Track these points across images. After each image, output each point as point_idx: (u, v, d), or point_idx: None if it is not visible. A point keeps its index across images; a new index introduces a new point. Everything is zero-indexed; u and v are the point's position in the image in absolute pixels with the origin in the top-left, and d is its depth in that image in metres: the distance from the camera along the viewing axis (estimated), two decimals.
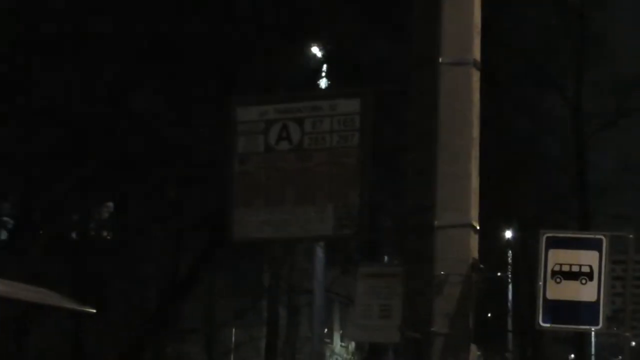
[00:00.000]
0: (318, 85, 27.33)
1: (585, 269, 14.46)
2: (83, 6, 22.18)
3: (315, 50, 29.58)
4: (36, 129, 23.27)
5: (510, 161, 39.38)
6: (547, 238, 14.85)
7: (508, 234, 48.63)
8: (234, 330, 46.41)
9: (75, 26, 22.19)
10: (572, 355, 63.05)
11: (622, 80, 53.08)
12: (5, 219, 26.27)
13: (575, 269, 14.50)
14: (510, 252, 50.70)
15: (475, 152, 8.37)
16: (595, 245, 14.77)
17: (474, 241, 8.35)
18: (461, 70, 8.34)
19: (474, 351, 8.31)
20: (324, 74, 29.04)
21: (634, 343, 18.87)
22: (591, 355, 65.59)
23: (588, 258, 14.54)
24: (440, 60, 8.29)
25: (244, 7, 24.32)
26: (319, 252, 38.82)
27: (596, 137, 54.45)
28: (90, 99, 22.98)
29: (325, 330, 44.01)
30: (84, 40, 22.43)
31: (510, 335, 54.14)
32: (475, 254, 8.34)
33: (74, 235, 28.58)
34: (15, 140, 23.10)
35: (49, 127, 23.19)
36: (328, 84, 27.48)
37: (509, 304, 52.47)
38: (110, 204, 30.00)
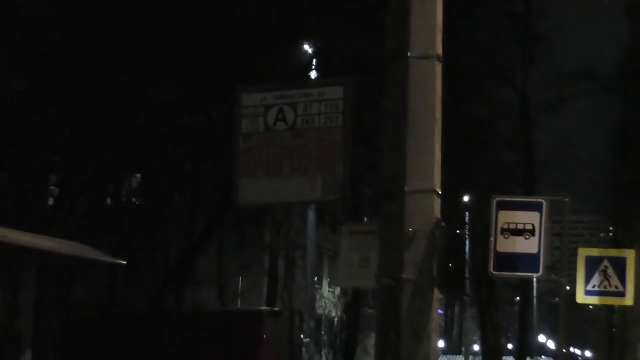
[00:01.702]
0: (309, 76, 27.29)
1: (529, 227, 14.49)
2: (104, 9, 22.06)
3: (307, 48, 29.59)
4: (76, 116, 23.23)
5: (469, 139, 39.32)
6: (498, 202, 14.90)
7: (466, 199, 48.57)
8: (240, 279, 46.39)
9: (103, 28, 22.11)
10: (518, 298, 63.19)
11: (562, 72, 53.27)
12: (52, 188, 26.24)
13: (520, 227, 14.53)
14: (468, 214, 50.70)
15: (438, 131, 8.36)
16: (537, 207, 14.81)
17: (438, 205, 8.34)
18: (427, 63, 8.32)
19: (438, 295, 8.31)
20: (314, 67, 29.03)
21: (568, 288, 18.78)
22: (534, 298, 65.58)
23: (531, 218, 14.58)
24: (409, 55, 8.26)
25: (246, 9, 24.23)
26: (311, 215, 38.82)
27: (540, 120, 54.69)
28: (121, 90, 22.95)
29: (316, 279, 43.97)
30: (110, 41, 22.36)
31: (467, 282, 54.18)
32: (438, 215, 8.33)
33: (108, 201, 28.54)
34: (59, 125, 23.09)
35: (87, 113, 23.14)
36: (317, 76, 27.45)
37: (467, 256, 52.57)
38: (139, 176, 29.96)
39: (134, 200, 30.61)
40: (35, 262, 15.24)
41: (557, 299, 21.20)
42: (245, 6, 24.17)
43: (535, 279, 39.66)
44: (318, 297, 46.17)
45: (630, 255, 20.69)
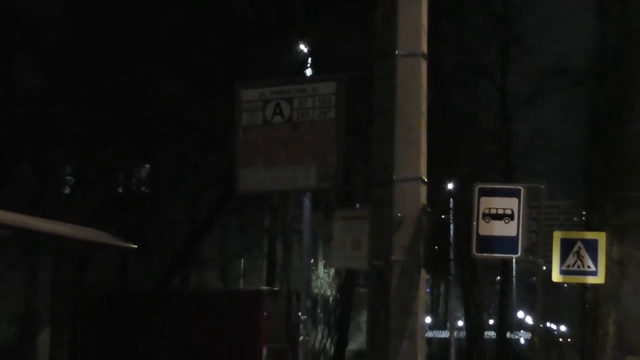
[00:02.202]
0: (304, 73, 27.28)
1: (508, 212, 14.47)
2: (114, 11, 22.04)
3: (302, 47, 29.58)
4: (89, 110, 23.21)
5: (452, 131, 39.38)
6: (479, 189, 14.88)
7: (450, 186, 48.60)
8: (242, 261, 46.39)
9: (113, 28, 22.09)
10: (498, 277, 63.24)
11: (538, 69, 53.45)
12: (68, 177, 26.24)
13: (500, 212, 14.51)
14: (451, 200, 50.72)
15: (423, 123, 8.38)
16: (515, 193, 14.80)
17: (424, 191, 8.36)
18: (413, 60, 8.33)
19: (424, 275, 8.33)
20: (309, 65, 29.03)
21: (544, 267, 18.82)
22: (513, 277, 65.69)
23: (510, 204, 14.56)
24: (397, 53, 8.27)
25: (246, 11, 24.22)
26: (306, 201, 38.74)
27: (518, 113, 54.83)
28: (128, 86, 22.94)
29: (312, 260, 43.89)
30: (119, 40, 22.34)
31: (452, 262, 54.19)
32: (424, 201, 8.35)
33: (119, 190, 28.54)
34: (74, 119, 23.06)
35: (98, 108, 23.13)
36: (312, 73, 27.43)
37: (451, 239, 52.58)
38: (147, 166, 29.95)
39: (142, 188, 30.59)
40: (52, 245, 15.24)
41: (534, 278, 21.19)
42: (244, 8, 24.15)
43: (514, 260, 39.76)
44: (313, 278, 46.14)
45: (601, 237, 20.73)
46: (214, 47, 23.68)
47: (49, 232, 14.19)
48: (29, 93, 23.13)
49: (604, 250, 20.40)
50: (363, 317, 41.80)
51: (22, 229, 13.48)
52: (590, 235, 21.72)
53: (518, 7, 53.12)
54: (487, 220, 14.51)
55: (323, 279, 52.43)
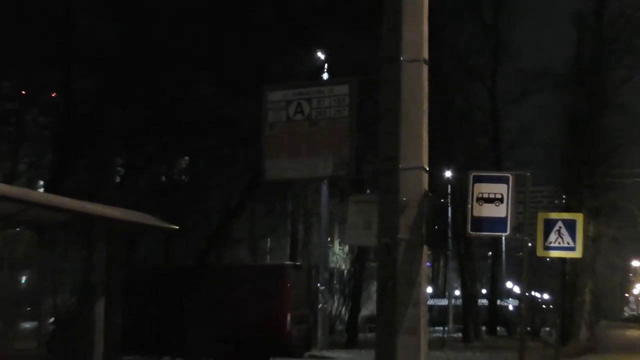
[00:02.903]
0: (321, 77, 27.27)
1: (498, 196, 14.39)
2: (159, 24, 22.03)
3: (320, 54, 29.61)
4: (136, 110, 23.25)
5: (450, 126, 39.29)
6: (473, 176, 14.79)
7: (448, 174, 48.52)
8: (268, 240, 46.46)
9: (158, 41, 22.08)
10: (490, 253, 63.20)
11: (523, 72, 53.38)
12: (118, 168, 26.29)
13: (491, 196, 14.44)
14: (449, 186, 50.63)
15: (425, 120, 8.36)
16: (504, 180, 14.71)
17: (425, 179, 8.34)
18: (415, 65, 8.31)
19: (426, 250, 8.32)
20: (325, 69, 29.05)
21: (530, 244, 18.79)
22: (502, 252, 65.57)
23: (500, 189, 14.48)
24: (401, 58, 8.25)
25: (271, 24, 24.19)
26: (324, 188, 38.82)
27: (506, 110, 54.92)
28: (171, 90, 22.96)
29: (329, 239, 43.95)
30: (163, 49, 22.35)
31: (450, 240, 54.14)
32: (426, 186, 8.33)
33: (163, 178, 28.58)
34: (124, 117, 23.10)
35: (145, 108, 23.17)
36: (328, 76, 27.41)
37: (449, 220, 52.55)
38: (186, 158, 29.97)
39: (182, 177, 30.62)
40: (106, 227, 15.25)
41: (521, 253, 21.06)
42: (270, 23, 24.13)
43: (503, 238, 39.67)
44: (330, 254, 46.16)
45: (579, 217, 20.69)
46: (244, 56, 23.65)
47: (103, 215, 14.20)
48: (84, 97, 23.17)
49: (581, 228, 20.36)
50: (373, 288, 41.79)
51: (80, 213, 13.49)
52: (569, 216, 21.70)
53: (506, 18, 53.20)
54: (480, 203, 14.43)
55: (338, 255, 52.43)
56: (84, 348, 15.03)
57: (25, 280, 21.85)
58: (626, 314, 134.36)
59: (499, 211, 14.46)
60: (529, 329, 47.03)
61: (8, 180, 20.14)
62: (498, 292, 63.46)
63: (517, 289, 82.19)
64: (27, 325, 19.28)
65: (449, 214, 52.33)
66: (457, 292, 61.79)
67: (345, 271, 49.40)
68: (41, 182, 24.23)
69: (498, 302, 63.14)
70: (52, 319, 21.25)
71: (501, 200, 14.45)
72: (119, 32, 22.90)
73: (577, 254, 20.52)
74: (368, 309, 48.63)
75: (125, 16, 22.81)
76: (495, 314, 60.23)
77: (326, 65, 29.39)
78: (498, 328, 58.19)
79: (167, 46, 22.27)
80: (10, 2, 21.24)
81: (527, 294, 22.57)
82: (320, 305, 38.76)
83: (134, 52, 21.90)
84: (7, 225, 14.77)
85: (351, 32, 25.97)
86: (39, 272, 16.42)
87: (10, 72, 22.99)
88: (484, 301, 61.81)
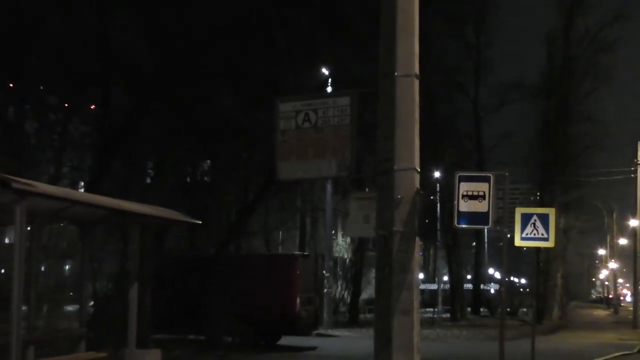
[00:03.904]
0: (326, 90, 27.25)
1: (481, 193, 14.35)
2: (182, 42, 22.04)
3: (324, 69, 29.62)
4: (164, 119, 23.25)
5: (438, 132, 39.26)
6: (459, 176, 14.76)
7: (437, 174, 48.50)
8: (280, 232, 46.39)
9: (185, 58, 22.08)
10: (474, 243, 63.16)
11: (502, 83, 53.50)
12: (149, 170, 26.29)
13: (475, 193, 14.40)
14: (438, 184, 50.60)
15: (416, 127, 8.34)
16: (486, 179, 14.66)
17: (417, 178, 8.32)
18: (408, 80, 8.30)
19: (418, 241, 8.30)
20: (329, 83, 29.05)
21: (509, 235, 18.76)
22: (485, 242, 65.56)
23: (482, 187, 14.43)
24: (396, 74, 8.24)
25: (283, 43, 24.17)
26: (328, 186, 38.84)
27: (487, 118, 54.94)
28: (194, 101, 22.95)
29: (333, 231, 43.92)
30: (188, 65, 22.35)
31: (438, 232, 54.10)
32: (417, 185, 8.32)
33: (188, 179, 28.56)
34: (153, 125, 23.11)
35: (172, 117, 23.18)
36: (332, 89, 27.38)
37: (438, 214, 52.53)
38: (208, 161, 29.95)
39: (205, 178, 30.58)
40: (138, 222, 15.22)
41: (501, 243, 21.03)
42: (281, 42, 24.11)
43: (485, 230, 39.62)
44: (334, 244, 46.15)
45: (551, 212, 20.66)
46: (259, 73, 23.63)
47: (136, 211, 14.18)
48: (120, 109, 23.18)
49: (554, 221, 20.32)
50: (372, 274, 41.66)
51: (116, 210, 13.47)
52: (543, 210, 21.65)
53: (486, 38, 53.42)
54: (465, 199, 14.40)
55: (341, 245, 52.43)
56: (120, 327, 15.00)
57: (69, 269, 21.89)
58: (593, 296, 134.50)
59: (482, 206, 14.43)
60: (508, 309, 47.05)
61: (53, 182, 20.12)
62: (481, 277, 63.44)
63: (497, 275, 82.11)
64: (70, 308, 19.32)
65: (438, 209, 52.34)
66: (445, 278, 61.78)
67: (348, 259, 49.43)
68: (82, 183, 24.22)
69: (481, 286, 63.16)
70: (92, 302, 21.30)
71: (483, 197, 14.43)
72: (151, 52, 22.91)
73: (550, 243, 20.50)
74: (367, 292, 48.60)
75: (157, 38, 22.82)
76: (479, 297, 60.24)
77: (330, 80, 29.40)
78: (481, 309, 58.20)
79: (193, 65, 22.27)
80: (58, 29, 21.25)
81: (506, 279, 22.60)
82: (325, 290, 38.74)
83: (164, 70, 21.89)
84: (52, 220, 14.77)
85: (352, 51, 25.97)
86: (80, 262, 16.40)
87: (56, 88, 23.02)
88: (469, 285, 61.77)
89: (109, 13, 22.75)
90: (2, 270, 17.30)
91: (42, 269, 17.72)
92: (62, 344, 14.39)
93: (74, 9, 21.98)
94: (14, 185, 10.43)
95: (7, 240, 16.69)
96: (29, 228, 12.91)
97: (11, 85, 21.65)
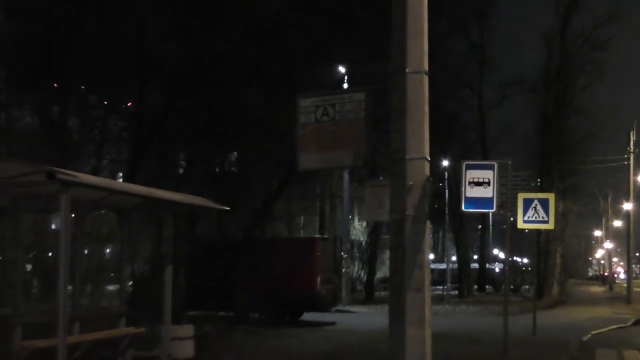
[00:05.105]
0: (342, 86, 27.23)
1: (486, 180, 14.40)
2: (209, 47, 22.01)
3: (341, 68, 29.60)
4: (194, 115, 23.26)
5: (446, 124, 39.15)
6: (466, 164, 14.84)
7: (445, 163, 48.42)
8: (302, 217, 46.48)
9: (211, 60, 22.07)
10: (480, 226, 63.02)
11: (504, 79, 53.47)
12: (181, 162, 26.35)
13: (481, 180, 14.44)
14: (446, 172, 50.53)
15: (426, 119, 8.31)
16: (490, 167, 14.74)
17: (427, 166, 8.30)
18: (418, 76, 8.26)
19: (428, 224, 8.28)
20: (346, 80, 29.04)
21: (512, 218, 18.77)
22: (489, 225, 65.41)
23: (487, 174, 14.50)
24: (407, 70, 8.21)
25: (301, 45, 24.15)
26: (345, 175, 38.85)
27: (490, 112, 54.90)
28: (223, 98, 22.95)
29: (350, 216, 43.96)
30: (217, 67, 22.35)
31: (447, 216, 54.03)
32: (427, 173, 8.29)
33: (216, 169, 28.60)
34: (184, 121, 23.12)
35: (202, 113, 23.19)
36: (348, 85, 27.35)
37: (446, 200, 52.45)
38: (235, 153, 29.96)
39: (232, 169, 30.61)
40: (171, 209, 15.28)
41: (505, 226, 20.99)
42: (300, 45, 24.11)
43: (490, 213, 39.45)
44: (351, 228, 46.19)
45: (551, 196, 20.66)
46: (282, 72, 23.62)
47: (170, 199, 14.22)
48: (154, 106, 23.23)
49: (553, 205, 20.34)
50: (386, 255, 41.76)
51: (152, 198, 13.51)
52: (543, 195, 21.69)
53: (489, 37, 53.25)
54: (472, 186, 14.45)
55: (358, 229, 52.45)
56: (156, 305, 15.07)
57: (109, 252, 21.99)
58: (590, 274, 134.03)
59: (487, 192, 14.49)
60: (511, 286, 46.99)
61: (94, 173, 20.21)
62: (486, 257, 63.37)
63: (501, 255, 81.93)
64: (111, 287, 19.40)
65: (446, 195, 52.28)
66: (453, 258, 61.73)
67: (363, 242, 49.45)
68: (120, 174, 24.30)
69: (486, 265, 63.09)
70: (131, 282, 21.40)
71: (488, 183, 14.48)
72: (181, 55, 22.92)
73: (550, 225, 20.49)
74: (382, 272, 48.65)
75: (186, 42, 22.84)
76: (484, 275, 60.15)
77: (346, 78, 29.40)
78: (486, 286, 58.10)
79: (221, 64, 22.28)
80: (96, 33, 21.31)
81: (509, 258, 22.56)
82: (343, 270, 38.78)
83: (194, 70, 21.92)
84: (94, 208, 14.84)
85: (365, 52, 25.94)
86: (120, 246, 16.47)
87: (96, 87, 23.10)
88: (475, 265, 61.71)
89: (143, 18, 22.79)
90: (50, 254, 17.40)
91: (85, 252, 17.78)
92: (104, 321, 14.46)
93: (111, 13, 22.03)
94: (59, 176, 10.47)
95: (53, 227, 16.76)
96: (73, 215, 12.97)
97: (55, 85, 21.71)
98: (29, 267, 17.60)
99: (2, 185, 11.65)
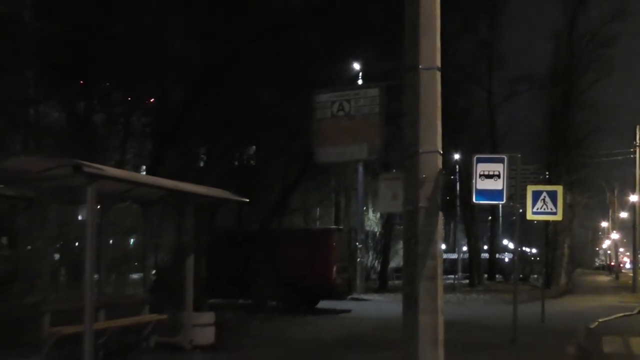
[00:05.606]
0: (357, 82, 27.21)
1: (496, 173, 14.36)
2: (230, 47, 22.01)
3: (356, 65, 29.54)
4: (214, 111, 23.27)
5: (457, 119, 39.03)
6: (476, 157, 14.79)
7: (457, 156, 48.30)
8: (318, 209, 46.47)
9: (228, 60, 22.08)
10: (490, 217, 62.84)
11: (513, 76, 53.38)
12: (202, 156, 26.38)
13: (491, 173, 14.40)
14: (457, 166, 50.43)
15: (439, 114, 8.30)
16: (500, 161, 14.68)
17: (439, 160, 8.28)
18: (430, 72, 8.24)
19: (441, 215, 8.27)
20: (360, 76, 28.99)
21: (521, 210, 18.70)
22: (499, 216, 65.17)
23: (497, 167, 14.45)
24: (420, 67, 8.19)
25: (317, 44, 24.12)
26: (360, 168, 38.80)
27: (500, 107, 54.70)
28: (241, 94, 22.94)
29: (364, 208, 43.93)
30: (236, 65, 22.36)
31: (458, 208, 53.91)
32: (440, 166, 8.28)
33: (236, 163, 28.60)
34: (205, 117, 23.14)
35: (221, 110, 23.20)
36: (362, 82, 27.32)
37: (457, 192, 52.35)
38: (254, 147, 29.97)
39: (251, 162, 30.61)
40: (193, 200, 15.32)
41: (514, 217, 20.94)
42: (317, 43, 24.09)
43: (500, 205, 39.40)
44: (365, 219, 46.15)
45: (559, 189, 20.59)
46: (300, 69, 23.60)
47: (191, 191, 14.27)
48: (175, 102, 23.26)
49: (561, 197, 20.27)
50: (399, 245, 41.77)
51: (174, 190, 13.56)
52: (551, 187, 21.59)
53: (498, 35, 53.10)
54: (482, 178, 14.42)
55: (372, 220, 52.40)
56: (179, 293, 15.14)
57: (133, 242, 22.05)
58: (596, 264, 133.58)
59: (497, 184, 14.45)
60: (520, 276, 46.91)
61: (119, 166, 20.25)
62: (496, 247, 63.15)
63: (511, 245, 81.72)
64: (135, 276, 19.47)
65: (457, 188, 52.20)
66: (464, 248, 61.64)
67: (377, 233, 49.39)
68: (143, 167, 24.36)
69: (496, 255, 62.88)
70: (154, 271, 21.46)
71: (498, 176, 14.44)
72: (202, 53, 22.93)
73: (558, 217, 20.42)
74: (395, 262, 48.65)
75: (207, 40, 22.85)
76: (494, 265, 59.99)
77: (361, 74, 29.35)
78: (496, 275, 57.98)
79: (239, 62, 22.28)
80: (119, 31, 21.32)
81: (519, 249, 22.47)
82: (358, 259, 38.79)
83: (214, 67, 21.92)
84: (119, 200, 14.90)
85: (380, 48, 25.88)
86: (143, 236, 16.54)
87: (120, 84, 23.15)
88: (485, 255, 61.59)
89: (165, 16, 22.83)
90: (77, 245, 17.46)
91: (110, 242, 17.86)
92: (129, 308, 14.55)
93: (133, 12, 22.06)
94: (86, 169, 10.53)
95: (80, 218, 16.83)
96: (98, 207, 13.03)
97: (81, 83, 21.78)
98: (56, 256, 17.67)
99: (31, 179, 11.73)
